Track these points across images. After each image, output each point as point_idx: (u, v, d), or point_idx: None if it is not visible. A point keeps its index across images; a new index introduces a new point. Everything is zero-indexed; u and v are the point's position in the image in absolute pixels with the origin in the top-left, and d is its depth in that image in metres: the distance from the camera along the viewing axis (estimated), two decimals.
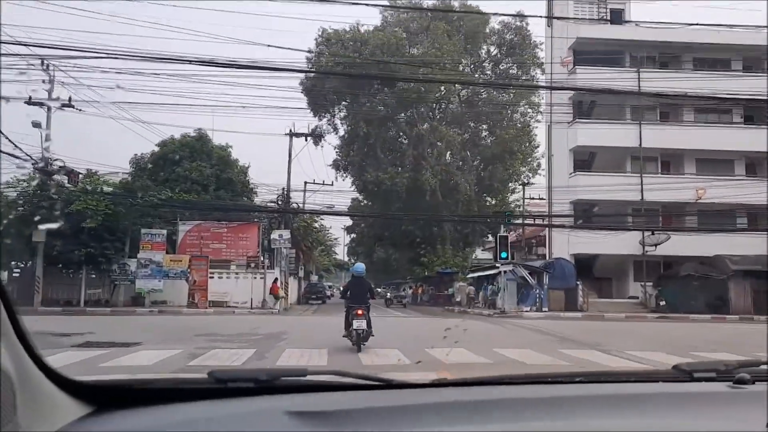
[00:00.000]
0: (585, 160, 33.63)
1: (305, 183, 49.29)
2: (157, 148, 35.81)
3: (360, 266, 13.48)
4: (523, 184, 45.33)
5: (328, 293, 62.88)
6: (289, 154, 34.05)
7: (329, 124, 50.85)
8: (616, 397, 1.60)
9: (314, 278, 61.21)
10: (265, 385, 1.52)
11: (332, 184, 49.52)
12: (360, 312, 11.86)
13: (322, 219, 49.72)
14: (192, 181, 33.91)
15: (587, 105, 33.19)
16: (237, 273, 30.53)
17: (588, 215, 32.85)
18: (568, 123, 32.60)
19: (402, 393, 1.65)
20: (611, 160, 32.84)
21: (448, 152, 48.24)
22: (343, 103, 49.31)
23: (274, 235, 30.73)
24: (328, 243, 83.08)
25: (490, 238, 57.73)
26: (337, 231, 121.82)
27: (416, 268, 49.62)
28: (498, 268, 35.40)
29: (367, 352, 11.50)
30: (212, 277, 30.52)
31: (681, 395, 1.61)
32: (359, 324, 11.73)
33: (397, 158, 47.52)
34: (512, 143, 47.93)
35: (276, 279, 33.76)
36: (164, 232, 28.62)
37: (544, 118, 41.29)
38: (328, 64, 46.85)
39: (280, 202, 31.26)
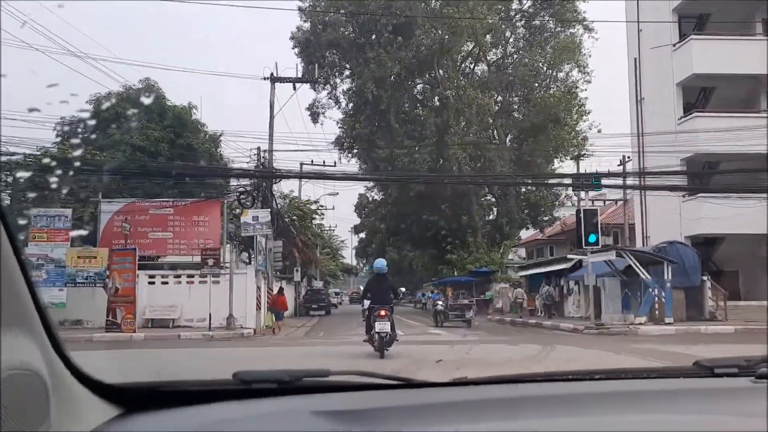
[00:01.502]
0: (692, 102, 22.51)
1: (301, 165, 38.46)
2: (89, 107, 25.01)
3: (381, 262, 11.74)
4: (577, 156, 34.19)
5: (335, 301, 51.49)
6: (270, 107, 23.05)
7: (330, 98, 40.07)
8: (636, 394, 1.53)
9: (318, 284, 49.92)
10: (289, 386, 1.49)
11: (335, 165, 38.61)
12: (383, 313, 10.36)
13: (322, 208, 38.61)
14: (134, 147, 23.02)
15: (696, 21, 22.05)
16: (191, 275, 19.51)
17: (710, 175, 21.57)
18: (674, 45, 21.48)
19: (423, 392, 1.62)
20: (736, 96, 21.64)
21: (476, 123, 37.22)
22: (347, 70, 38.47)
23: (247, 217, 19.69)
24: (334, 246, 72.16)
25: (530, 229, 46.64)
26: (344, 233, 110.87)
27: (443, 268, 38.40)
28: (569, 260, 24.26)
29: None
30: (152, 283, 19.48)
31: (702, 391, 1.55)
32: (382, 326, 10.23)
33: (416, 129, 36.42)
34: (557, 109, 36.86)
35: (281, 289, 22.89)
36: (68, 212, 17.61)
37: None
38: (326, 17, 36.12)
39: (259, 166, 20.16)
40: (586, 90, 38.05)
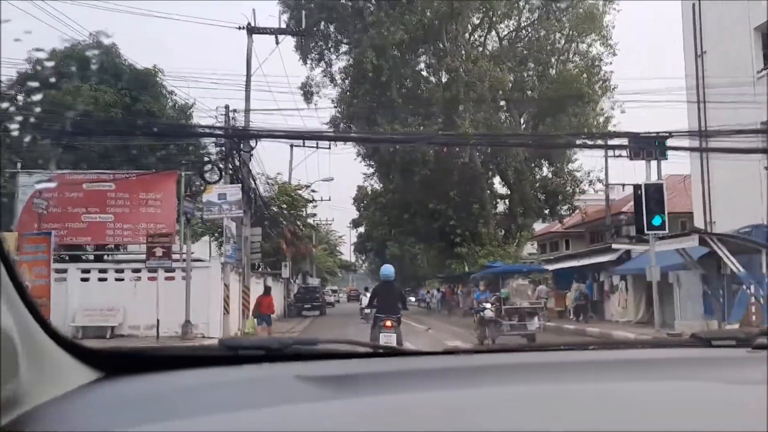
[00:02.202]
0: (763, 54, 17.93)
1: (291, 146, 33.80)
2: (28, 66, 20.33)
3: (389, 269, 10.14)
4: (606, 135, 29.46)
5: (332, 299, 46.88)
6: (247, 63, 18.39)
7: (325, 75, 35.35)
8: (630, 362, 1.51)
9: (314, 281, 45.17)
10: (276, 353, 1.42)
11: (329, 148, 33.92)
12: (389, 324, 9.22)
13: (314, 194, 33.91)
14: (77, 112, 18.32)
15: None
16: (136, 270, 14.84)
17: None
18: None
19: (413, 359, 1.59)
20: None
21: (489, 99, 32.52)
22: (343, 44, 33.78)
23: (211, 195, 15.03)
24: (332, 241, 67.48)
25: (542, 222, 41.94)
26: (342, 228, 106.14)
27: (451, 262, 33.72)
28: (614, 251, 19.62)
29: None
30: (86, 279, 14.82)
31: (697, 360, 1.49)
32: (388, 338, 8.94)
33: (421, 105, 31.73)
34: (579, 83, 32.18)
35: (268, 288, 17.96)
36: None
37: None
38: None
39: (228, 128, 15.39)
40: (611, 63, 33.28)
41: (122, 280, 14.72)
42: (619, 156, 30.20)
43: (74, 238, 14.71)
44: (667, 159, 15.52)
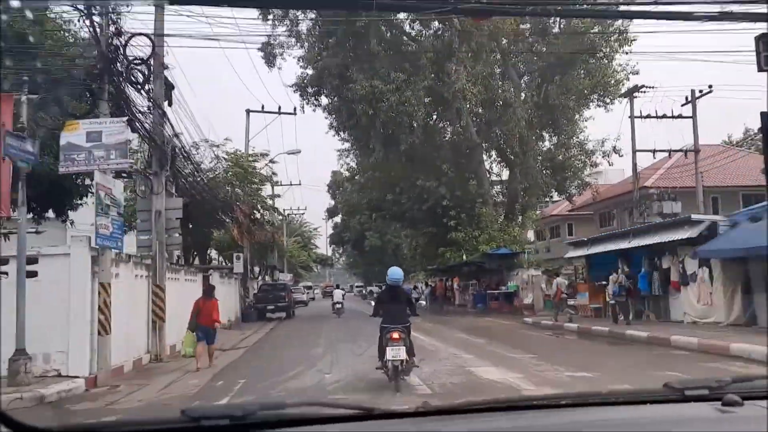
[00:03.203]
0: None
1: (248, 111, 27.41)
2: None
3: (397, 272, 8.69)
4: (632, 91, 23.67)
5: (304, 297, 40.47)
6: None
7: (290, 34, 28.96)
8: (604, 423, 1.44)
9: (285, 277, 38.75)
10: (241, 422, 1.32)
11: (295, 112, 27.69)
12: (395, 335, 7.75)
13: (273, 164, 27.32)
14: None
15: None
16: None
17: None
18: None
19: (384, 423, 1.45)
20: None
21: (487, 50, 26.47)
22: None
23: (75, 133, 8.75)
24: (306, 234, 60.97)
25: (551, 201, 36.08)
26: (317, 219, 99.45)
27: (445, 251, 27.66)
28: (694, 223, 13.76)
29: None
30: None
31: (671, 420, 1.45)
32: (395, 352, 7.69)
33: (407, 57, 25.53)
34: (592, 38, 26.43)
35: (210, 289, 11.07)
36: None
37: None
38: None
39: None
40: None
41: None
42: (647, 116, 24.51)
43: None
44: None
